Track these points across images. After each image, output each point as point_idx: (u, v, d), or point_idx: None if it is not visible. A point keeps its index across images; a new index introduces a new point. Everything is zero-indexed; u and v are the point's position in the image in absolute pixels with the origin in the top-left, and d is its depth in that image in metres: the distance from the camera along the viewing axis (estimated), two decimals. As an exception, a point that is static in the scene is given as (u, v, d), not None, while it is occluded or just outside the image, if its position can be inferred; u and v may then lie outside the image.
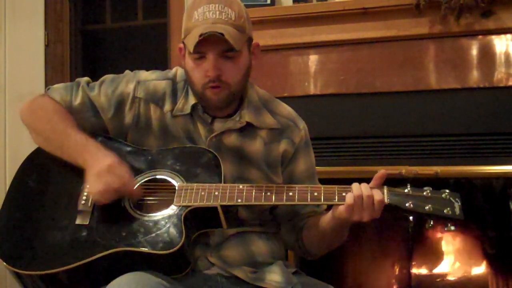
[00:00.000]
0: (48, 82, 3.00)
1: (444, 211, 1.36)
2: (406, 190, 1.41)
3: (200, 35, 1.43)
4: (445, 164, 2.27)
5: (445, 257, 2.76)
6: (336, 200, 1.42)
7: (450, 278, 2.74)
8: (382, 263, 2.80)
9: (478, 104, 2.27)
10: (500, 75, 2.24)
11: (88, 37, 3.37)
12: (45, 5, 3.04)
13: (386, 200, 1.40)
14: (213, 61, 1.48)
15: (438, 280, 2.75)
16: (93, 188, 1.48)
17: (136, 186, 1.52)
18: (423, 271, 2.78)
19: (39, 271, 1.42)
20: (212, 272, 1.51)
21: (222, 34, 1.43)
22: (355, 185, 1.42)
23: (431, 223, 1.39)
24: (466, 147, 2.28)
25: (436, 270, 2.76)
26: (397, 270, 2.82)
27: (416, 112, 2.33)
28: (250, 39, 1.56)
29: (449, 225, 1.39)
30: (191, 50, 1.46)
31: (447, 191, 1.40)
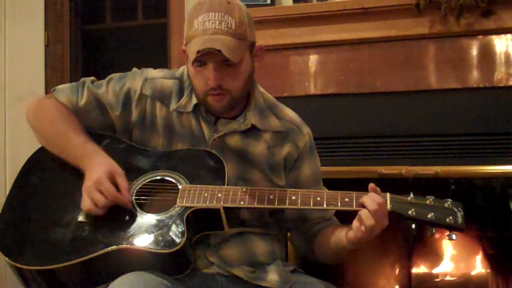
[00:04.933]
0: (48, 82, 3.00)
1: (447, 220, 1.36)
2: (409, 198, 1.40)
3: (198, 52, 1.41)
4: (445, 164, 2.26)
5: (445, 257, 2.76)
6: (339, 205, 1.42)
7: (450, 278, 2.74)
8: (382, 263, 2.80)
9: (478, 104, 2.26)
10: (500, 75, 2.24)
11: (88, 37, 3.37)
12: (45, 5, 3.04)
13: (389, 207, 1.39)
14: (213, 71, 1.46)
15: (438, 280, 2.75)
16: (82, 205, 1.49)
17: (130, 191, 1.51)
18: (423, 271, 2.78)
19: (39, 266, 1.42)
20: (211, 271, 1.52)
21: (219, 51, 1.41)
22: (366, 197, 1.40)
23: (433, 231, 1.39)
24: (466, 147, 2.27)
25: (436, 270, 2.76)
26: (397, 270, 2.81)
27: (416, 112, 2.33)
28: (252, 44, 1.54)
29: (451, 234, 1.39)
30: (191, 60, 1.46)
31: (450, 200, 1.40)
